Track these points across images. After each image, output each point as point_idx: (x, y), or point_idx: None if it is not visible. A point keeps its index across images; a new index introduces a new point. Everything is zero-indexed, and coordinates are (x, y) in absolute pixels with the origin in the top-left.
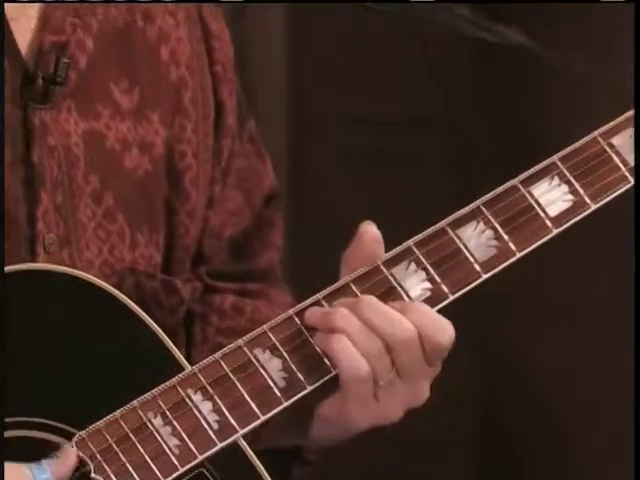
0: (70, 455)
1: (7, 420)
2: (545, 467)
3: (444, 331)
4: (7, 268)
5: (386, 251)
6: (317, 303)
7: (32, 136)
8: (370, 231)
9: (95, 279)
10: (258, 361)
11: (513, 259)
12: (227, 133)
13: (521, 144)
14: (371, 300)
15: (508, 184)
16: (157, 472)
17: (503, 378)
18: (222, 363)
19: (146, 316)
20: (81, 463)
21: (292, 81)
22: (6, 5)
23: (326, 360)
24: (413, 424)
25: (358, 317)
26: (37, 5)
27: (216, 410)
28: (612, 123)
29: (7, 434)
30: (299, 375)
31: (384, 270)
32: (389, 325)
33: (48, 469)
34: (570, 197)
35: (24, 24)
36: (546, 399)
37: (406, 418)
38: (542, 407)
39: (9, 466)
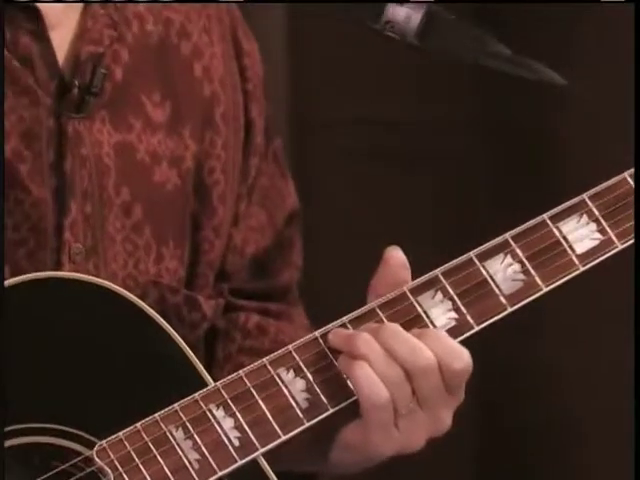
0: None
1: (27, 426)
2: (548, 468)
3: (460, 359)
4: (32, 275)
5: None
6: (343, 327)
7: (65, 145)
8: (396, 256)
9: (121, 289)
10: (282, 381)
11: (539, 293)
12: (255, 151)
13: (522, 144)
14: (394, 327)
15: (537, 219)
16: None
17: (504, 379)
18: (245, 380)
19: (171, 329)
20: (101, 473)
21: (292, 81)
22: (46, 12)
23: (350, 383)
24: None
25: (381, 344)
26: (76, 16)
27: (237, 427)
28: None
29: (28, 439)
30: (322, 397)
31: (410, 297)
32: (411, 353)
33: None
34: (598, 236)
35: (62, 34)
36: (550, 399)
37: None
38: (545, 407)
39: None
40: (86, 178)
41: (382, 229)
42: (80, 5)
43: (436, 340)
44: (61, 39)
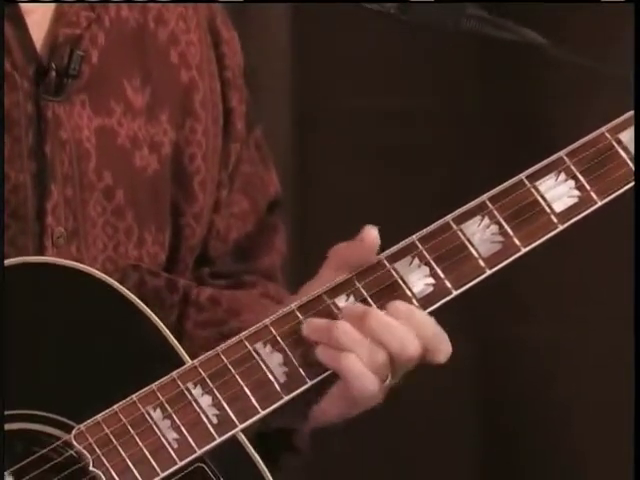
0: None
1: (7, 413)
2: (547, 466)
3: (447, 350)
4: (14, 260)
5: (389, 245)
6: (319, 298)
7: (45, 129)
8: (373, 236)
9: (97, 272)
10: (259, 355)
11: (518, 254)
12: (236, 138)
13: (525, 137)
14: (379, 317)
15: (514, 179)
16: (155, 466)
17: (505, 377)
18: (222, 357)
19: (147, 309)
20: (80, 456)
21: (295, 77)
22: None
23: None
24: (416, 421)
25: (368, 333)
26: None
27: (215, 404)
28: (620, 119)
29: (7, 427)
30: (300, 370)
31: (387, 265)
32: (401, 347)
33: None
34: (576, 193)
35: (39, 18)
36: (548, 397)
37: (409, 415)
38: (544, 405)
39: None
40: (66, 162)
41: (384, 222)
42: None
43: (422, 326)
44: (38, 23)
